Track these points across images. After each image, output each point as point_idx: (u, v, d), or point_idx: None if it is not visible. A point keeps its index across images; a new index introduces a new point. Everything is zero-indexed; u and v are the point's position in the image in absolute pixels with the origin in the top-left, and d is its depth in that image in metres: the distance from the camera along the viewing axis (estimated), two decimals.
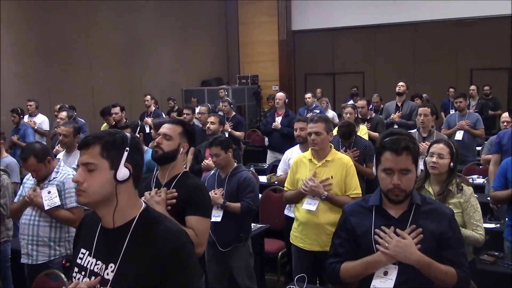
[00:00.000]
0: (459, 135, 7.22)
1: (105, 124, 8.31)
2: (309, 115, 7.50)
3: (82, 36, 10.73)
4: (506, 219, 4.22)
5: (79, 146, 1.82)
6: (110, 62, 11.49)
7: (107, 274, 1.76)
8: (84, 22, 10.74)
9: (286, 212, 4.88)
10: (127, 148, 1.79)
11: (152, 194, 2.83)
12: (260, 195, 5.56)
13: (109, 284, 1.74)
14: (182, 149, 2.95)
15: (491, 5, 12.04)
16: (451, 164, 3.38)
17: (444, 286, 2.34)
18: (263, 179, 6.55)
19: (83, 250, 1.86)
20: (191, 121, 7.44)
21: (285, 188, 4.16)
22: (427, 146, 3.65)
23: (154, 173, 3.03)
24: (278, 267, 5.20)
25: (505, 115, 5.93)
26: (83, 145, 1.78)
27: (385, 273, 2.33)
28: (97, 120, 9.50)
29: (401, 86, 8.24)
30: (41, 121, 8.85)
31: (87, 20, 10.77)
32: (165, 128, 2.97)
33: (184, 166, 5.72)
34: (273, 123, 7.73)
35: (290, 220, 4.33)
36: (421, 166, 4.38)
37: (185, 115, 7.58)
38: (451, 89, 11.52)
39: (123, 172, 1.76)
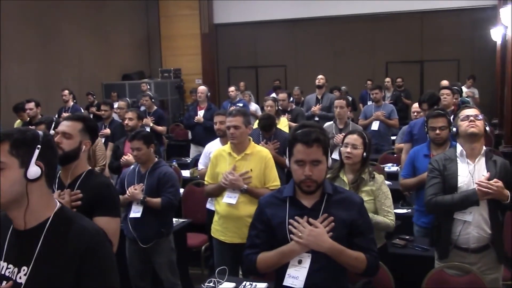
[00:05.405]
0: (375, 125, 7.56)
1: (19, 121, 7.94)
2: (232, 108, 7.51)
3: None
4: (415, 205, 4.45)
5: None
6: (26, 56, 10.94)
7: (20, 277, 1.70)
8: None
9: (208, 205, 4.88)
10: (39, 146, 1.73)
11: (55, 197, 2.68)
12: (183, 190, 5.55)
13: None
14: (84, 146, 2.79)
15: (404, 1, 12.61)
16: (364, 154, 3.52)
17: (355, 271, 2.45)
18: (186, 173, 6.52)
19: None
20: (109, 117, 7.27)
21: (205, 182, 4.18)
22: (343, 137, 3.77)
23: (56, 173, 2.85)
24: (202, 261, 5.21)
25: (416, 105, 6.08)
26: None
27: (299, 262, 2.41)
28: (11, 117, 9.02)
29: (320, 79, 8.42)
30: None
31: None
32: (64, 126, 2.77)
33: (104, 162, 5.67)
34: (196, 117, 7.71)
35: (212, 213, 4.34)
36: (337, 156, 4.56)
37: (103, 112, 7.38)
38: (369, 81, 11.96)
39: (34, 170, 1.71)
